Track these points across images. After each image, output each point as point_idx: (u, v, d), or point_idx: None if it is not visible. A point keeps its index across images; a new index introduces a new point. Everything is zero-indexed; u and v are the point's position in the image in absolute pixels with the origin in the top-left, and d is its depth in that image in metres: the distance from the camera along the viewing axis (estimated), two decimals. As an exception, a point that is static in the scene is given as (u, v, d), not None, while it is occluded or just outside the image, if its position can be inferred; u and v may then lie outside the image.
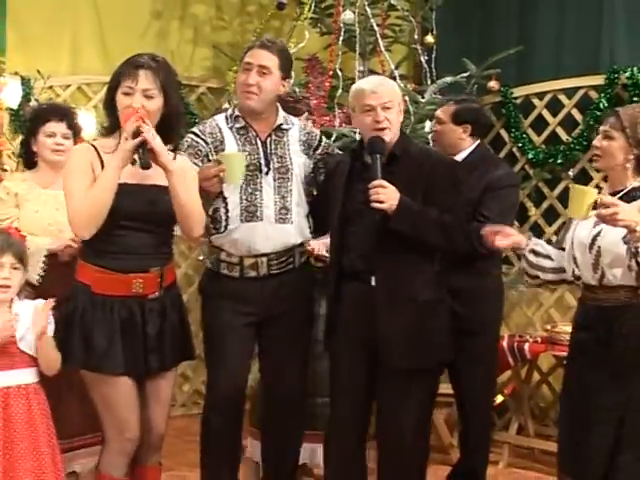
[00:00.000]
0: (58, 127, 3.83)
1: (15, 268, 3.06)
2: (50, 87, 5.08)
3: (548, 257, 3.47)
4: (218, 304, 3.58)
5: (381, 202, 3.30)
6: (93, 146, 3.14)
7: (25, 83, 4.93)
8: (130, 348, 3.10)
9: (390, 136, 3.43)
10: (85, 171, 3.06)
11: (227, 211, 3.49)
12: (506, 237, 3.37)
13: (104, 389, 3.08)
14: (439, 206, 3.41)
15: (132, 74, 3.07)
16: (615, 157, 3.25)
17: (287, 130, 3.62)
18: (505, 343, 4.75)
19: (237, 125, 3.57)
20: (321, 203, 3.64)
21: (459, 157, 4.07)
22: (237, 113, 3.60)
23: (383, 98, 3.42)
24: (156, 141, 2.97)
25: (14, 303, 3.09)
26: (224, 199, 3.46)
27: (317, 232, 3.71)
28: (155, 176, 3.07)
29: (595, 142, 3.34)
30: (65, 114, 3.89)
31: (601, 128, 3.35)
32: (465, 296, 3.74)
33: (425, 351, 3.43)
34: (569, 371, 3.46)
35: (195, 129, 3.60)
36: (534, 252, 3.46)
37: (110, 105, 3.12)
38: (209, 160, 3.47)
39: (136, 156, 2.99)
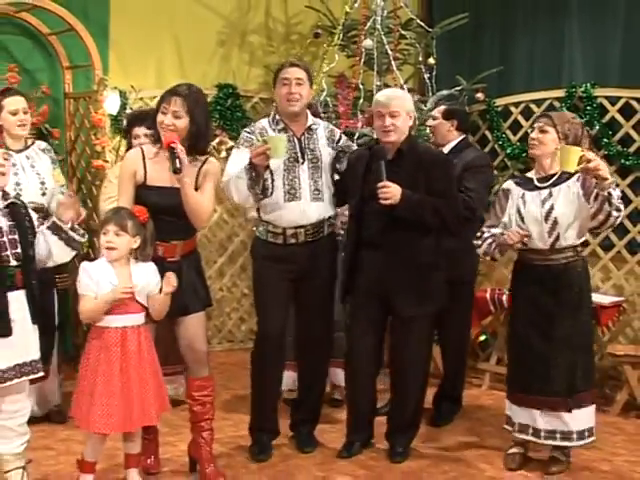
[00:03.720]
0: (140, 130, 4.37)
1: (117, 234, 3.28)
2: (141, 98, 5.68)
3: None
4: (265, 264, 3.91)
5: (387, 199, 3.64)
6: (142, 150, 3.51)
7: (122, 95, 5.51)
8: None
9: (395, 137, 3.74)
10: (129, 178, 3.48)
11: (273, 180, 3.79)
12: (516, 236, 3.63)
13: None
14: (436, 192, 3.69)
15: (167, 99, 3.42)
16: (547, 146, 3.65)
17: (315, 129, 3.94)
18: (488, 295, 5.24)
19: (279, 127, 3.86)
20: (343, 185, 3.95)
21: (448, 147, 4.43)
22: (278, 117, 3.89)
23: (391, 108, 3.70)
24: (183, 155, 3.33)
25: (131, 264, 3.37)
26: (271, 172, 3.77)
27: (339, 206, 4.09)
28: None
29: (532, 135, 3.71)
30: (144, 119, 4.30)
31: (535, 125, 3.74)
32: (453, 255, 4.06)
33: (424, 302, 3.80)
34: (521, 317, 3.79)
35: (248, 129, 3.94)
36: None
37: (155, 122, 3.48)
38: None
39: (170, 164, 3.35)
